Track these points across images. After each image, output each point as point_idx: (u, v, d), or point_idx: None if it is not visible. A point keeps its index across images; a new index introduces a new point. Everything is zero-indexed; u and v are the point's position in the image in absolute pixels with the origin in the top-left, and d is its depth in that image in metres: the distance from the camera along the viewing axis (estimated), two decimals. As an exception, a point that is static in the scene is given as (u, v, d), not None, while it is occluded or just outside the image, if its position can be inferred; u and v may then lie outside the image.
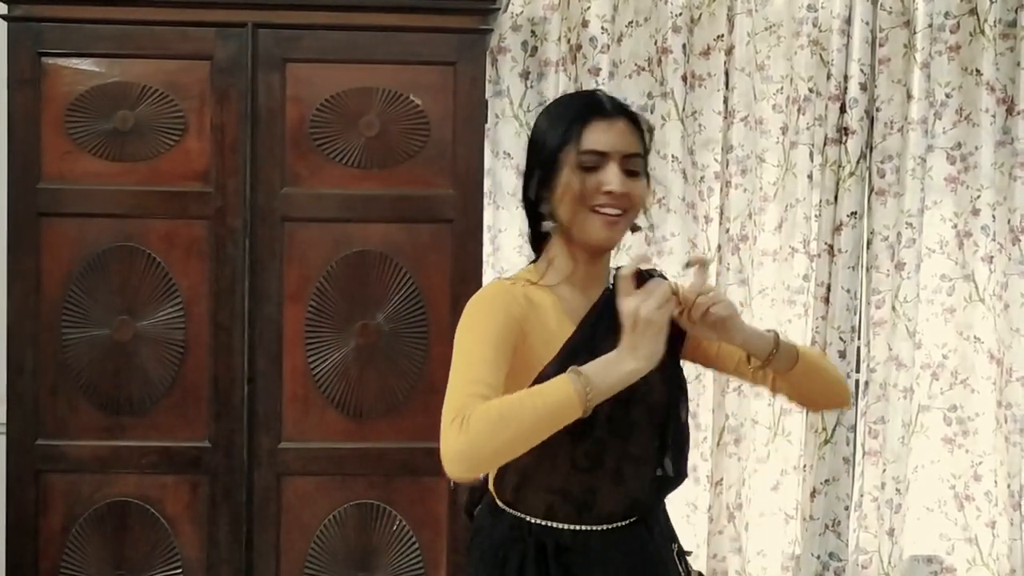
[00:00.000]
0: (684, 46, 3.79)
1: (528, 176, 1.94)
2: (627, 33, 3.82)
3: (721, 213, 3.86)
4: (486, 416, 1.68)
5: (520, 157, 3.82)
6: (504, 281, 1.97)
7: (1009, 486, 3.89)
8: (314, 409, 3.18)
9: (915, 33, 3.81)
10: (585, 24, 3.77)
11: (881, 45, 3.85)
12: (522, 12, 3.78)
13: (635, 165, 1.92)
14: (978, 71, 3.84)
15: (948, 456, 3.97)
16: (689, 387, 3.88)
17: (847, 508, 3.93)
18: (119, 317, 3.12)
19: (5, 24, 3.10)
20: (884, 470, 3.91)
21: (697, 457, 3.88)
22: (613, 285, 1.92)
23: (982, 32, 3.83)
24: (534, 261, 2.03)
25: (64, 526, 3.15)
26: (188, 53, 3.11)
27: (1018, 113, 3.85)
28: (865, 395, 3.95)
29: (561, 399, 1.69)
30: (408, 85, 3.14)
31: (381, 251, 3.16)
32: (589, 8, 3.76)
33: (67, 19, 3.08)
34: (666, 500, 2.05)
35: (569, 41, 3.79)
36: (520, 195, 1.99)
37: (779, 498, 3.94)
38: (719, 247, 3.86)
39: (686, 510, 3.89)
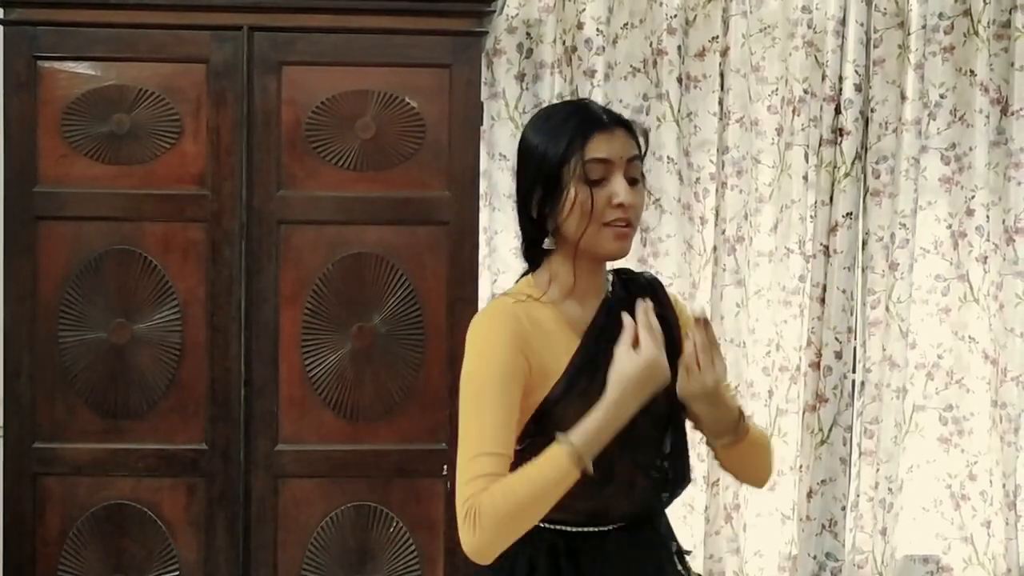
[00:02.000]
0: (679, 48, 3.80)
1: (527, 192, 1.91)
2: (622, 35, 3.83)
3: (717, 214, 3.86)
4: (494, 513, 1.74)
5: (516, 158, 3.81)
6: (506, 299, 1.94)
7: (1004, 485, 3.90)
8: (311, 411, 3.18)
9: (909, 34, 3.82)
10: (580, 26, 3.78)
11: (875, 46, 3.86)
12: (517, 14, 3.78)
13: (636, 171, 1.92)
14: (972, 72, 3.85)
15: (944, 456, 3.98)
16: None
17: (843, 508, 3.94)
18: (116, 320, 3.12)
19: (1, 28, 3.11)
20: (878, 470, 3.92)
21: (694, 458, 3.85)
22: (611, 291, 1.97)
23: (976, 33, 3.84)
24: (527, 272, 2.00)
25: (61, 529, 3.15)
26: (184, 56, 3.11)
27: (1012, 114, 3.86)
28: (861, 395, 3.95)
29: (560, 473, 1.75)
30: (404, 87, 3.14)
31: (377, 253, 3.16)
32: (584, 10, 3.77)
33: (63, 23, 3.08)
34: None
35: (564, 43, 3.80)
36: (516, 207, 1.97)
37: (776, 499, 3.95)
38: (715, 248, 3.86)
39: (683, 511, 3.89)
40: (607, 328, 1.90)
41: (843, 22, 3.81)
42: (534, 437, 1.85)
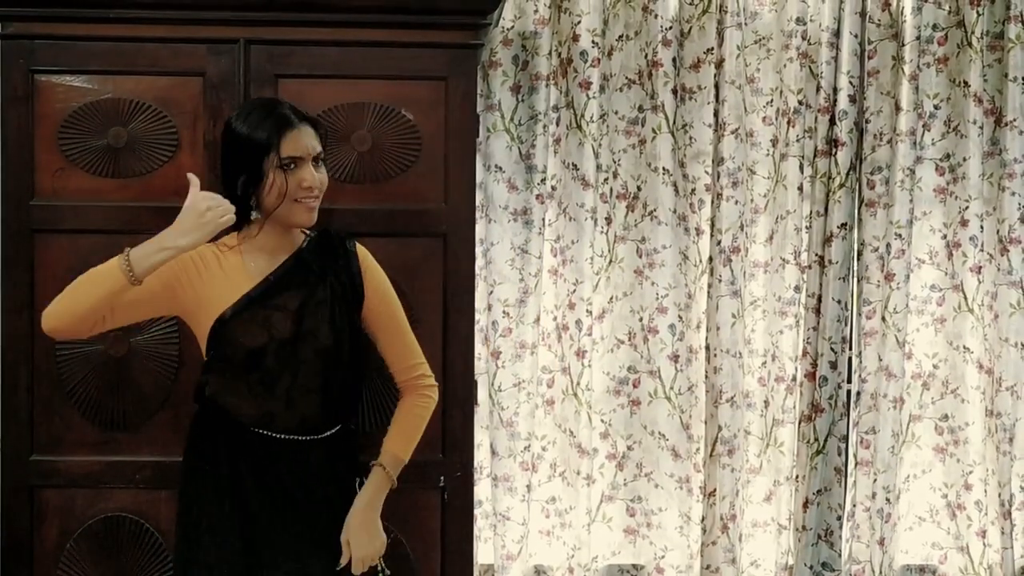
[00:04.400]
0: (674, 59, 3.81)
1: (233, 175, 2.50)
2: (617, 47, 3.84)
3: (712, 225, 3.88)
4: (63, 293, 2.45)
5: (512, 171, 3.84)
6: (209, 245, 2.52)
7: (1000, 495, 3.91)
8: (308, 423, 3.17)
9: (903, 45, 3.84)
10: (576, 38, 3.79)
11: (870, 57, 3.88)
12: (513, 27, 3.80)
13: (320, 158, 2.54)
14: (966, 83, 3.87)
15: (940, 465, 3.99)
16: (682, 399, 3.91)
17: (840, 518, 3.95)
18: (113, 332, 3.12)
19: (-2, 41, 3.12)
20: (875, 480, 3.92)
21: (690, 468, 3.89)
22: (305, 246, 2.60)
23: (969, 44, 3.86)
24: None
25: (58, 542, 3.14)
26: (180, 69, 3.11)
27: (1006, 124, 3.88)
28: (857, 405, 3.96)
29: (104, 268, 2.39)
30: (400, 100, 3.15)
31: (374, 265, 3.16)
32: (580, 22, 3.78)
33: (60, 36, 3.09)
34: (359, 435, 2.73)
35: (560, 55, 3.81)
36: (221, 182, 2.57)
37: (772, 509, 3.95)
38: (710, 259, 3.88)
39: (679, 521, 3.90)
40: (291, 272, 2.54)
41: (837, 33, 3.83)
42: (213, 350, 2.52)
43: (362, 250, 2.67)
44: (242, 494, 2.55)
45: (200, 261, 2.56)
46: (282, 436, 2.52)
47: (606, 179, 3.86)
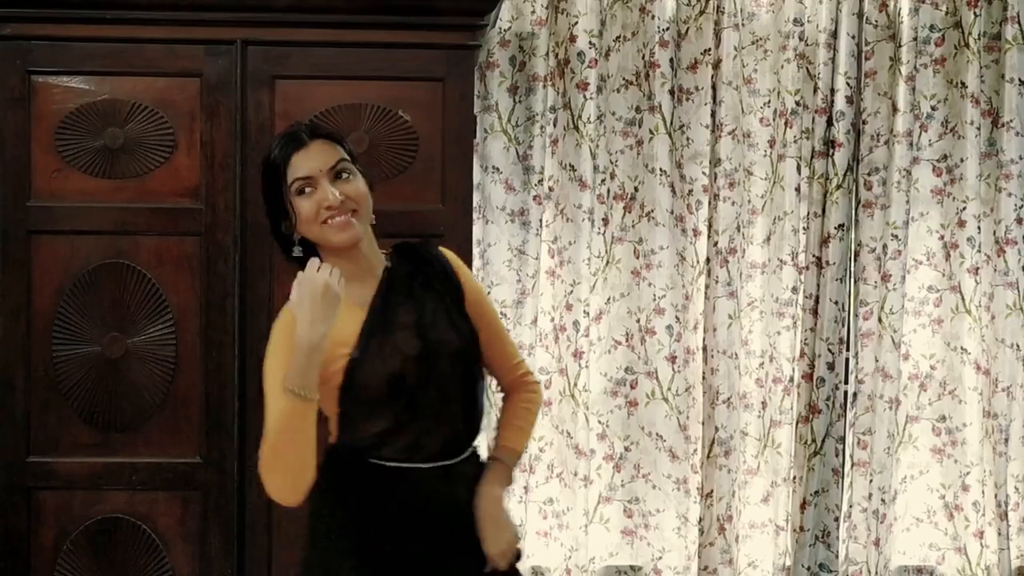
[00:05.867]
0: (672, 60, 3.81)
1: (277, 221, 2.28)
2: (615, 48, 3.84)
3: (709, 226, 3.88)
4: (261, 458, 2.13)
5: (509, 171, 3.84)
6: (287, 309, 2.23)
7: (996, 495, 3.92)
8: (305, 424, 3.17)
9: (900, 46, 3.84)
10: (573, 39, 3.79)
11: (867, 58, 3.88)
12: (510, 28, 3.80)
13: (345, 170, 2.27)
14: (963, 84, 3.87)
15: (937, 466, 3.99)
16: (679, 400, 3.91)
17: (837, 519, 3.95)
18: (110, 334, 3.12)
19: (-5, 42, 3.11)
20: (872, 481, 3.93)
21: (687, 469, 3.89)
22: (391, 265, 2.35)
23: (966, 45, 3.86)
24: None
25: (55, 543, 3.14)
26: (177, 70, 3.12)
27: (1003, 125, 3.88)
28: (853, 406, 3.97)
29: (283, 419, 2.10)
30: (397, 101, 3.15)
31: (371, 266, 3.16)
32: (577, 23, 3.78)
33: (56, 37, 3.09)
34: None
35: (557, 56, 3.81)
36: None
37: (769, 510, 3.95)
38: (708, 260, 3.88)
39: (677, 522, 3.90)
40: (391, 291, 2.31)
41: (835, 35, 3.83)
42: (349, 393, 2.24)
43: (448, 252, 2.48)
44: (393, 542, 2.30)
45: None
46: (428, 466, 2.30)
47: (603, 180, 3.86)
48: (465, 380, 2.35)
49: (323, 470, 2.26)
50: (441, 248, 2.45)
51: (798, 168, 3.88)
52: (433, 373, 2.29)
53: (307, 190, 2.24)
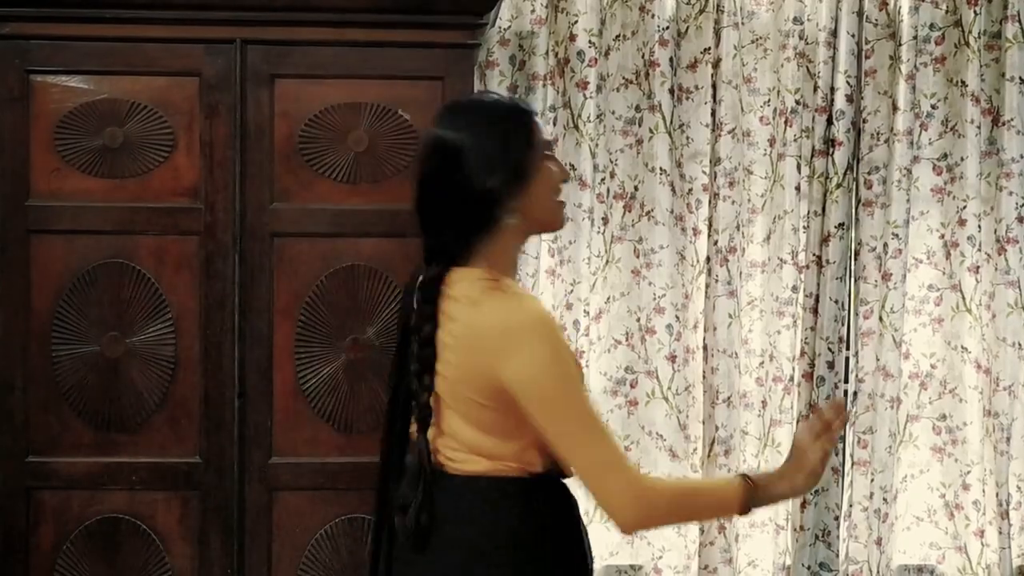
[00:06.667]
0: (671, 59, 3.81)
1: (486, 187, 1.87)
2: (614, 47, 3.84)
3: (709, 225, 3.87)
4: (667, 505, 1.97)
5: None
6: (534, 298, 1.98)
7: (997, 495, 3.91)
8: (305, 424, 3.18)
9: (900, 45, 3.84)
10: (573, 38, 3.79)
11: (867, 57, 3.87)
12: (510, 27, 3.79)
13: None
14: (963, 82, 3.87)
15: (938, 465, 3.99)
16: (680, 399, 3.90)
17: (837, 518, 3.95)
18: (109, 333, 3.12)
19: (-6, 42, 3.11)
20: (872, 480, 3.92)
21: (688, 468, 3.89)
22: None
23: (967, 44, 3.86)
24: (440, 267, 1.91)
25: (55, 543, 3.14)
26: (177, 70, 3.11)
27: (1003, 124, 3.88)
28: (854, 405, 3.96)
29: (726, 506, 1.97)
30: (396, 100, 3.15)
31: (371, 266, 3.16)
32: (576, 22, 3.78)
33: (55, 37, 3.08)
34: None
35: (557, 55, 3.81)
36: (442, 207, 1.92)
37: (769, 509, 3.94)
38: (708, 259, 3.87)
39: (677, 521, 3.89)
40: None
41: (834, 33, 3.83)
42: None
43: None
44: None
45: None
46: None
47: (603, 179, 3.86)
48: None
49: (525, 501, 2.10)
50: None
51: (798, 167, 3.88)
52: None
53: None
